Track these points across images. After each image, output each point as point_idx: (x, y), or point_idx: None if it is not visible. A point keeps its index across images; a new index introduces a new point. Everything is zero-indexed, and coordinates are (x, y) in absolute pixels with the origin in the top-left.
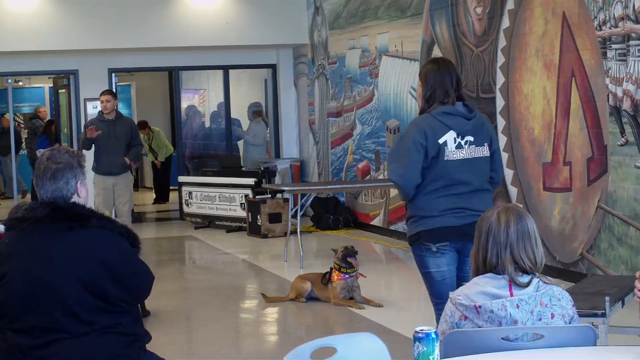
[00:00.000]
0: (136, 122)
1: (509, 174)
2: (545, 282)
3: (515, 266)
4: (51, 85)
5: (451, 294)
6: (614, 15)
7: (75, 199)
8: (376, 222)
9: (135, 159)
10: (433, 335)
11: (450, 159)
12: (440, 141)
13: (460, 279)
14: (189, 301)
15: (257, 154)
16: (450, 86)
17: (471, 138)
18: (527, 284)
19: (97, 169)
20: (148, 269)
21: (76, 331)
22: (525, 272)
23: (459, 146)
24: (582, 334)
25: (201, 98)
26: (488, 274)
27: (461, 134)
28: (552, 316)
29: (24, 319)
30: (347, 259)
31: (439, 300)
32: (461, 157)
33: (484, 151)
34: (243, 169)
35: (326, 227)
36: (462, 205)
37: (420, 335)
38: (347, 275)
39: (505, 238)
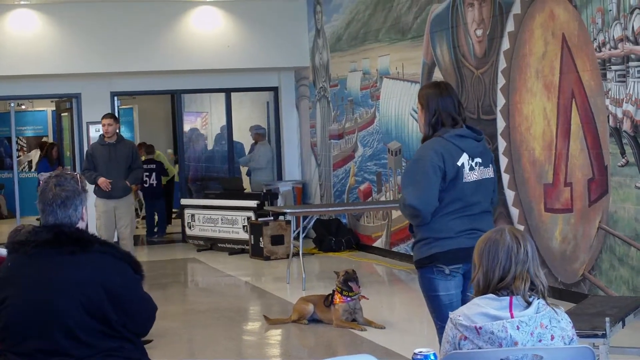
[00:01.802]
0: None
1: (510, 195)
2: (546, 304)
3: (531, 285)
4: (54, 108)
5: (451, 314)
6: (613, 36)
7: (80, 224)
8: (378, 243)
9: (136, 182)
10: (432, 357)
11: (466, 180)
12: (459, 163)
13: (464, 302)
14: (191, 323)
15: (264, 177)
16: (453, 110)
17: (480, 160)
18: (530, 304)
19: (98, 192)
20: (151, 298)
21: (78, 354)
22: (534, 292)
23: (471, 168)
24: (581, 354)
25: (204, 121)
26: (489, 295)
27: (472, 156)
28: (552, 338)
29: (26, 343)
30: (347, 284)
31: (444, 323)
32: (474, 179)
33: (490, 172)
34: (246, 191)
35: (328, 249)
36: (475, 226)
37: (419, 357)
38: (349, 298)
39: (525, 256)
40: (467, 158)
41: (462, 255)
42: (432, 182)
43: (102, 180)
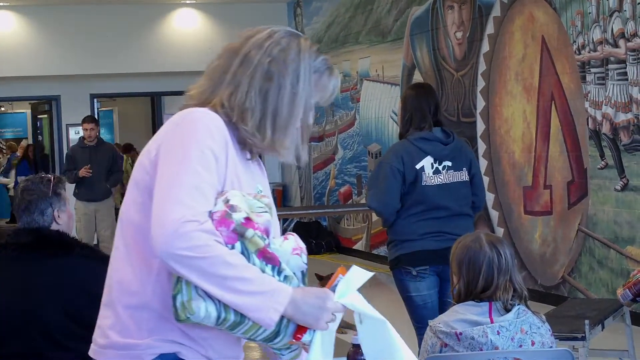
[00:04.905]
0: (120, 147)
1: (490, 197)
2: (526, 309)
3: (514, 294)
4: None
5: (430, 323)
6: (592, 39)
7: (54, 226)
8: (358, 246)
9: (116, 184)
10: None
11: (428, 184)
12: (418, 166)
13: (443, 304)
14: None
15: None
16: (427, 112)
17: (449, 163)
18: (510, 310)
19: (78, 195)
20: None
21: (58, 358)
22: (515, 297)
23: (436, 171)
24: (561, 357)
25: None
26: (469, 302)
27: (438, 159)
28: (533, 344)
29: (6, 346)
30: None
31: (419, 324)
32: (439, 182)
33: (462, 176)
34: None
35: (309, 252)
36: (442, 229)
37: None
38: None
39: (506, 266)
40: (432, 161)
41: (428, 257)
42: (391, 185)
43: (82, 171)
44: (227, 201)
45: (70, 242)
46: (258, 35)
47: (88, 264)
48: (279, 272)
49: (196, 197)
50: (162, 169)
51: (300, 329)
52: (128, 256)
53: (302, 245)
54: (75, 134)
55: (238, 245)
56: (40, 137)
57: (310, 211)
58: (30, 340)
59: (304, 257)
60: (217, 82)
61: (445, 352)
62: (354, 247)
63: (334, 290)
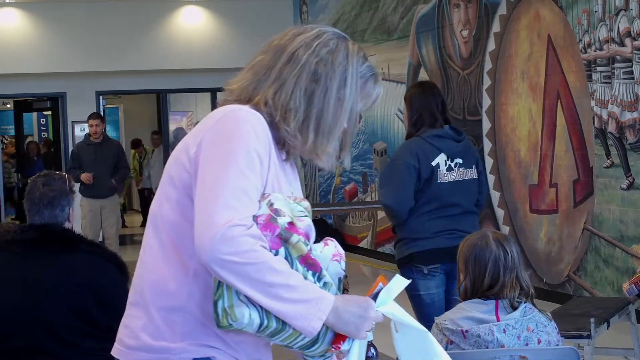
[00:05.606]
0: (128, 143)
1: (495, 196)
2: (533, 307)
3: (520, 291)
4: (38, 108)
5: (437, 319)
6: (599, 38)
7: (66, 224)
8: (364, 244)
9: (122, 181)
10: None
11: (442, 181)
12: (433, 163)
13: (449, 302)
14: None
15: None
16: (436, 110)
17: (460, 160)
18: (517, 308)
19: (84, 191)
20: None
21: (63, 354)
22: (521, 295)
23: (449, 168)
24: (566, 355)
25: (189, 120)
26: (475, 299)
27: (451, 157)
28: (539, 342)
29: (10, 341)
30: None
31: (427, 323)
32: (452, 180)
33: (472, 173)
34: None
35: None
36: (454, 227)
37: None
38: None
39: (512, 263)
40: (445, 158)
41: (440, 255)
42: (406, 182)
43: (84, 176)
44: (270, 204)
45: (76, 238)
46: (306, 34)
47: (93, 262)
48: (319, 279)
49: (243, 200)
50: (206, 168)
51: (339, 338)
52: (164, 256)
53: (342, 251)
54: (81, 131)
55: (282, 250)
56: (44, 134)
57: (316, 209)
58: (35, 337)
59: (343, 263)
60: (261, 78)
61: (451, 349)
62: (359, 245)
63: (374, 299)
